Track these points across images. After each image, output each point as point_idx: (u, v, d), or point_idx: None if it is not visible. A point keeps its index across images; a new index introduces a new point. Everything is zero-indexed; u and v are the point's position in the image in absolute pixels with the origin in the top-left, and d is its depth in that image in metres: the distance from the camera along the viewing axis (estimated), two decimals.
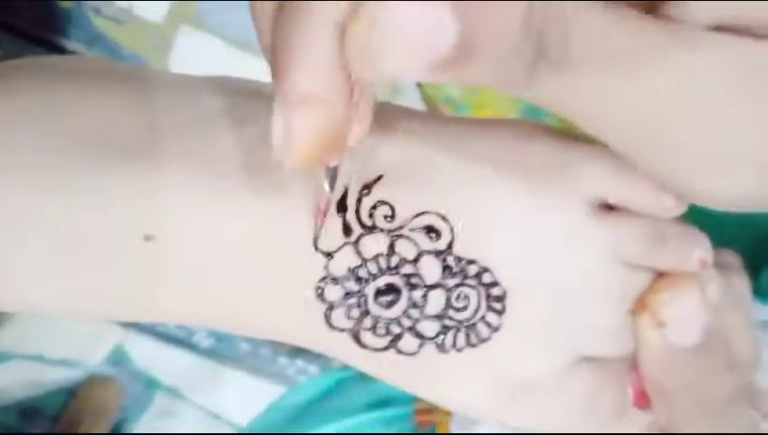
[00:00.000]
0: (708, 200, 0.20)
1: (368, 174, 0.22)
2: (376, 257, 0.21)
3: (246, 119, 0.22)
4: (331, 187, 0.20)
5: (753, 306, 0.33)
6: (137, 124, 0.21)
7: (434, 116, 0.24)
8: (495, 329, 0.22)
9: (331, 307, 0.21)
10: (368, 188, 0.21)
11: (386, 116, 0.23)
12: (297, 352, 1.05)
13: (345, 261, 0.21)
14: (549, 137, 0.23)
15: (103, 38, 0.83)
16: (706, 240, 0.24)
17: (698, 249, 0.24)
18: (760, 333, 0.31)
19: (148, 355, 1.08)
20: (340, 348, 0.22)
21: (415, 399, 0.47)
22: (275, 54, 0.17)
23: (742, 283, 0.29)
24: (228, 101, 0.22)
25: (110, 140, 0.20)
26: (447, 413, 0.44)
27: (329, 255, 0.21)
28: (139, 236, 0.20)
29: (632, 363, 0.25)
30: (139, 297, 0.21)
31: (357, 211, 0.21)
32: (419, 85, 0.47)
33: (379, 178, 0.22)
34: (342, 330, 0.22)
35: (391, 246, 0.21)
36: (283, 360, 1.05)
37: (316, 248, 0.21)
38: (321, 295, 0.21)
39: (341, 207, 0.21)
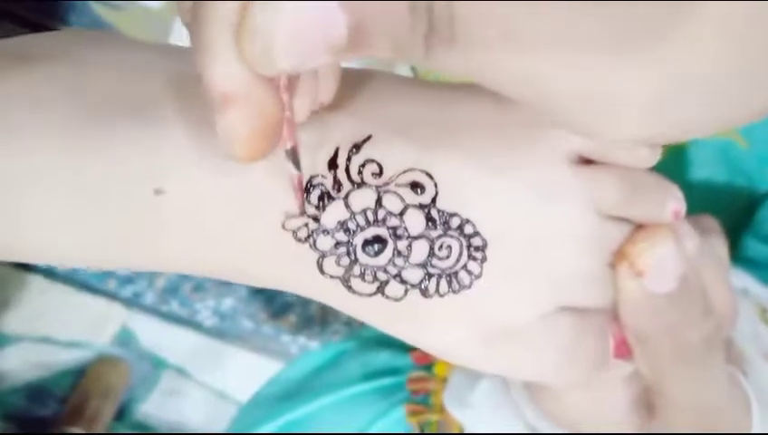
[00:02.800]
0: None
1: (357, 134, 0.23)
2: (364, 211, 0.23)
3: None
4: (296, 166, 0.21)
5: (733, 272, 0.35)
6: (147, 89, 0.23)
7: (419, 81, 0.26)
8: (477, 276, 0.24)
9: (323, 256, 0.23)
10: (357, 147, 0.23)
11: (375, 80, 0.25)
12: (299, 329, 1.06)
13: (335, 214, 0.23)
14: None
15: (103, 24, 0.84)
16: (679, 192, 0.26)
17: (671, 200, 0.25)
18: (739, 298, 0.32)
19: (154, 335, 1.10)
20: (332, 294, 0.24)
21: (410, 368, 0.48)
22: (194, 55, 0.17)
23: (720, 244, 0.30)
24: None
25: (123, 102, 0.22)
26: (441, 381, 0.45)
27: (316, 219, 0.23)
28: (149, 190, 0.22)
29: (613, 316, 0.26)
30: (148, 247, 0.23)
31: (347, 168, 0.23)
32: (413, 69, 0.49)
33: (368, 138, 0.23)
34: (333, 277, 0.23)
35: (378, 201, 0.23)
36: (285, 338, 1.07)
37: (304, 215, 0.23)
38: (313, 245, 0.23)
39: (332, 164, 0.23)
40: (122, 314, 1.09)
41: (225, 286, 1.07)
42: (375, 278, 0.23)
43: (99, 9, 0.84)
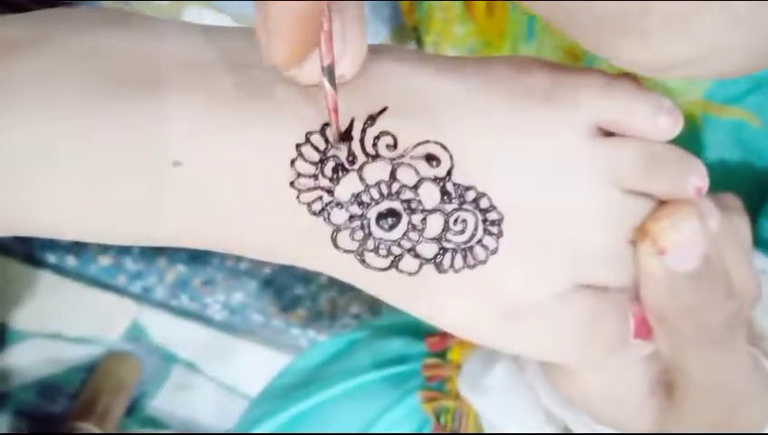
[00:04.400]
0: (633, 63, 0.20)
1: (373, 106, 0.23)
2: (378, 184, 0.23)
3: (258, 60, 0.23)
4: (332, 84, 0.21)
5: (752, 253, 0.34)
6: (161, 62, 0.22)
7: (435, 55, 0.25)
8: (492, 252, 0.23)
9: (337, 229, 0.23)
10: (372, 119, 0.23)
11: (390, 54, 0.24)
12: (309, 323, 1.06)
13: (350, 187, 0.22)
14: (543, 68, 0.24)
15: None
16: (702, 167, 0.25)
17: (694, 175, 0.25)
18: (760, 279, 0.32)
19: (165, 330, 1.09)
20: (346, 268, 0.24)
21: (423, 355, 0.48)
22: None
23: (743, 223, 0.30)
24: (245, 44, 0.24)
25: (139, 76, 0.22)
26: (456, 367, 0.44)
27: (330, 191, 0.22)
28: (166, 161, 0.22)
29: (633, 295, 0.26)
30: (162, 219, 0.22)
31: (361, 141, 0.22)
32: (418, 44, 0.49)
33: (384, 109, 0.23)
34: (348, 251, 0.23)
35: (393, 173, 0.23)
36: (295, 331, 1.07)
37: (338, 146, 0.22)
38: (328, 219, 0.23)
39: (347, 136, 0.22)
40: (133, 309, 1.09)
41: (234, 280, 1.07)
42: (389, 253, 0.23)
43: (105, 3, 0.84)
